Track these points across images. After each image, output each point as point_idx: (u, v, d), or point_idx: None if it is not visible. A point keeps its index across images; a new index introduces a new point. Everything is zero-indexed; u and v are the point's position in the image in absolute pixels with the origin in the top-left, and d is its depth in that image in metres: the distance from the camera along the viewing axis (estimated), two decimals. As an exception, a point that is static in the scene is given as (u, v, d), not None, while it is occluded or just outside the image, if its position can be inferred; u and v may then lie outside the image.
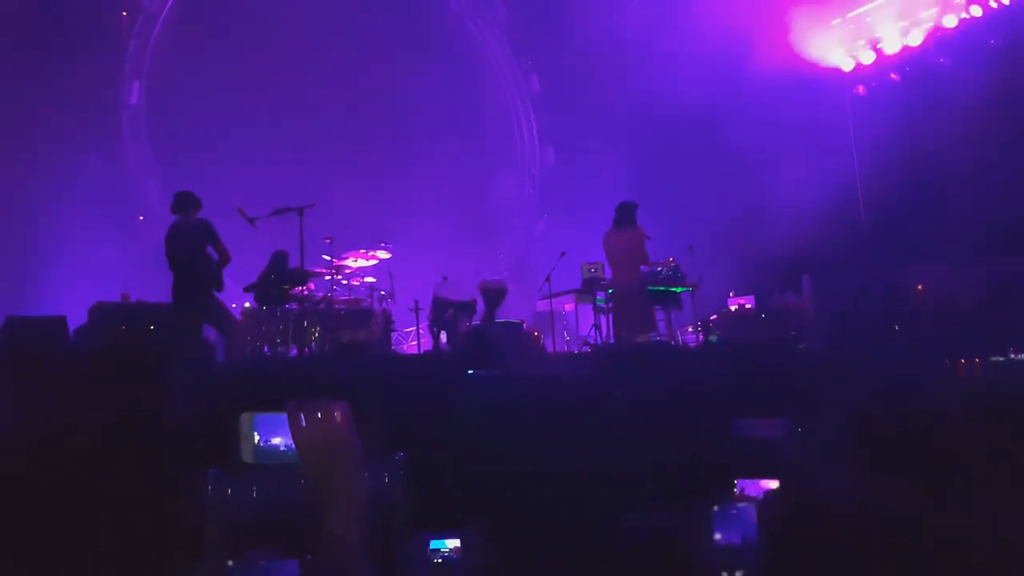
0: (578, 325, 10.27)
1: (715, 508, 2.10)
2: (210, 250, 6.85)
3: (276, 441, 1.68)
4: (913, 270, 7.47)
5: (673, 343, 8.39)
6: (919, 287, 7.06)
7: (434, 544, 2.33)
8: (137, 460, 3.70)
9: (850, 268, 8.60)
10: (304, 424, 1.41)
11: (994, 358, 4.39)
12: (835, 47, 11.06)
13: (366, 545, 1.40)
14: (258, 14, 11.78)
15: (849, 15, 10.97)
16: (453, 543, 2.33)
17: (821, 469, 2.30)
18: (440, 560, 2.34)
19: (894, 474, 1.95)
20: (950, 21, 9.92)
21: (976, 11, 9.68)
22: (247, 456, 1.65)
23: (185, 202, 7.00)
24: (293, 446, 1.45)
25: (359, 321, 8.57)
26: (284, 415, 1.44)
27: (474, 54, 14.81)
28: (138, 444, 3.79)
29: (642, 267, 8.39)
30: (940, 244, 8.48)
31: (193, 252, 6.78)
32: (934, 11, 10.05)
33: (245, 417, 1.63)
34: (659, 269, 8.51)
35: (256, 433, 1.63)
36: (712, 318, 9.23)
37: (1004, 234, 8.06)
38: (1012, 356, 4.64)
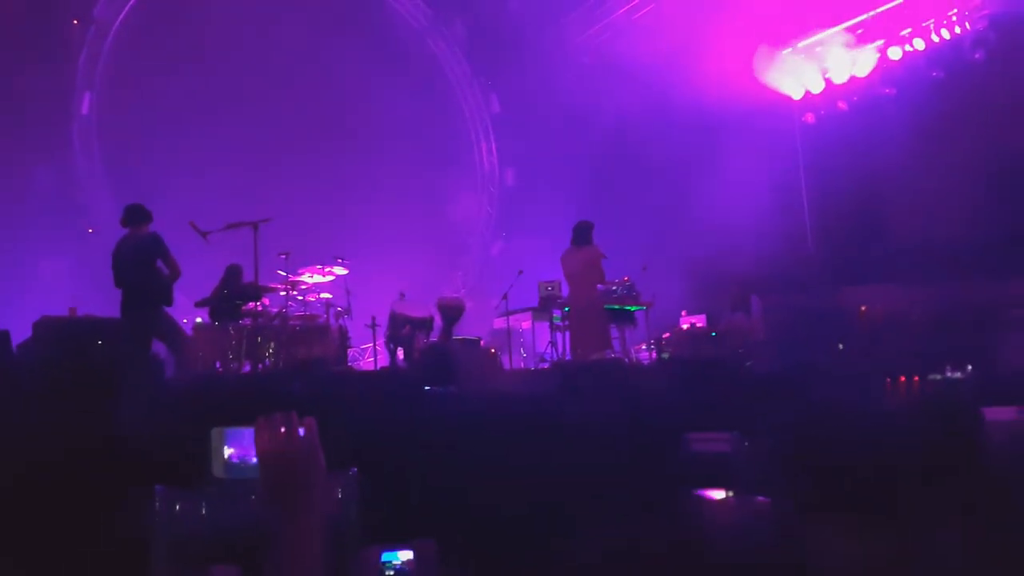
0: (535, 342, 10.34)
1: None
2: (160, 264, 6.74)
3: (237, 453, 1.68)
4: (857, 292, 7.73)
5: (627, 360, 8.51)
6: (862, 308, 7.31)
7: (386, 556, 2.33)
8: (82, 476, 3.61)
9: (797, 289, 8.85)
10: (268, 438, 1.41)
11: (932, 376, 4.57)
12: (785, 75, 11.42)
13: (324, 561, 1.40)
14: (215, 27, 11.67)
15: (799, 45, 11.35)
16: (406, 556, 2.34)
17: (764, 485, 2.38)
18: (392, 573, 2.35)
19: (829, 493, 2.03)
20: (895, 53, 10.34)
21: (919, 44, 10.11)
22: (218, 471, 1.64)
23: (136, 215, 6.89)
24: None
25: (314, 337, 8.49)
26: (252, 430, 1.45)
27: (435, 73, 14.89)
28: (83, 460, 3.70)
29: (598, 285, 8.51)
30: (883, 267, 8.78)
31: (143, 266, 6.67)
32: (880, 43, 10.46)
33: (216, 432, 1.62)
34: (614, 288, 8.64)
35: (227, 447, 1.62)
36: (665, 336, 9.39)
37: (943, 258, 8.39)
38: (948, 374, 4.84)
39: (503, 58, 14.10)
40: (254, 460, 1.49)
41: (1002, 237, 8.15)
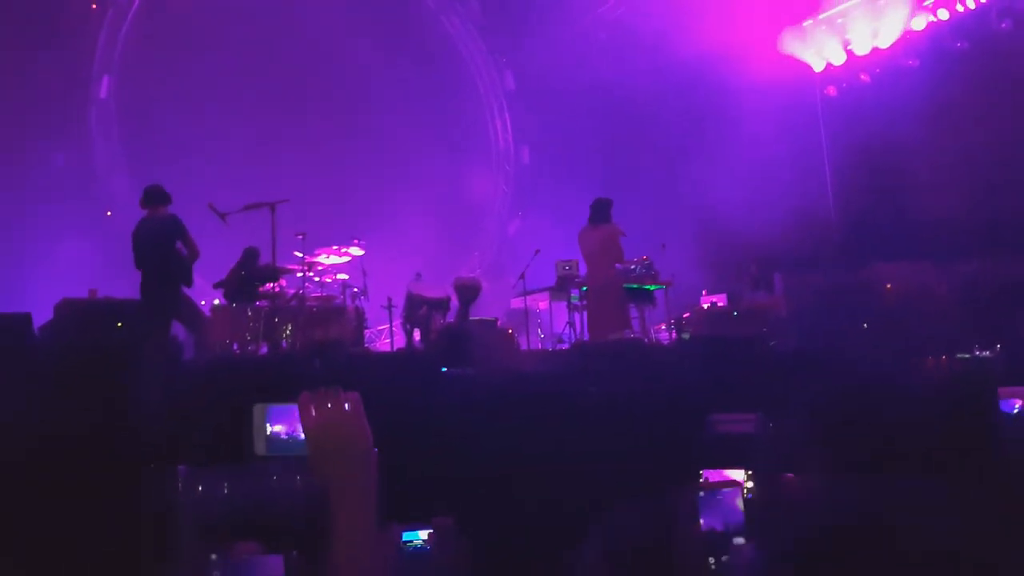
0: (552, 322, 10.29)
1: (700, 494, 2.12)
2: (179, 246, 6.75)
3: (285, 432, 1.67)
4: (882, 269, 7.59)
5: (647, 340, 8.43)
6: (888, 286, 7.18)
7: (406, 536, 2.33)
8: (105, 458, 3.63)
9: (821, 266, 8.73)
10: (314, 414, 1.40)
11: (960, 355, 4.48)
12: (807, 48, 11.19)
13: (378, 538, 1.40)
14: (232, 8, 11.63)
15: (821, 16, 11.11)
16: (425, 534, 2.34)
17: (790, 465, 2.33)
18: (413, 550, 2.36)
19: (858, 470, 1.98)
20: (919, 23, 10.09)
21: (943, 14, 9.86)
22: (260, 449, 1.63)
23: (154, 197, 6.90)
24: (302, 437, 1.44)
25: (331, 318, 8.50)
26: (295, 407, 1.44)
27: (449, 51, 14.76)
28: (106, 442, 3.72)
29: (616, 264, 8.42)
30: (909, 244, 8.62)
31: (162, 248, 6.68)
32: (904, 13, 10.20)
33: (258, 408, 1.62)
34: (633, 266, 8.55)
35: (268, 425, 1.62)
36: (685, 316, 9.30)
37: (971, 235, 8.22)
38: (977, 353, 4.74)
39: (518, 34, 13.95)
40: (299, 436, 1.48)
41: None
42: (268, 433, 1.61)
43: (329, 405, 1.41)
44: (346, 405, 1.42)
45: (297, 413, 1.45)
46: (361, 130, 12.61)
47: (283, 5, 12.03)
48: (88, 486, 3.50)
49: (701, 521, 2.10)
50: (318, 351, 6.62)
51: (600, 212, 8.44)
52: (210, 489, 3.22)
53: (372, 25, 12.76)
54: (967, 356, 4.43)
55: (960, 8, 9.67)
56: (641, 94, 11.84)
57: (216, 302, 8.58)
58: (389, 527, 2.53)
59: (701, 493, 2.12)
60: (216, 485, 3.25)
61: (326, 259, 9.08)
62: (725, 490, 2.15)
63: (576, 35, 13.09)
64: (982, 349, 4.84)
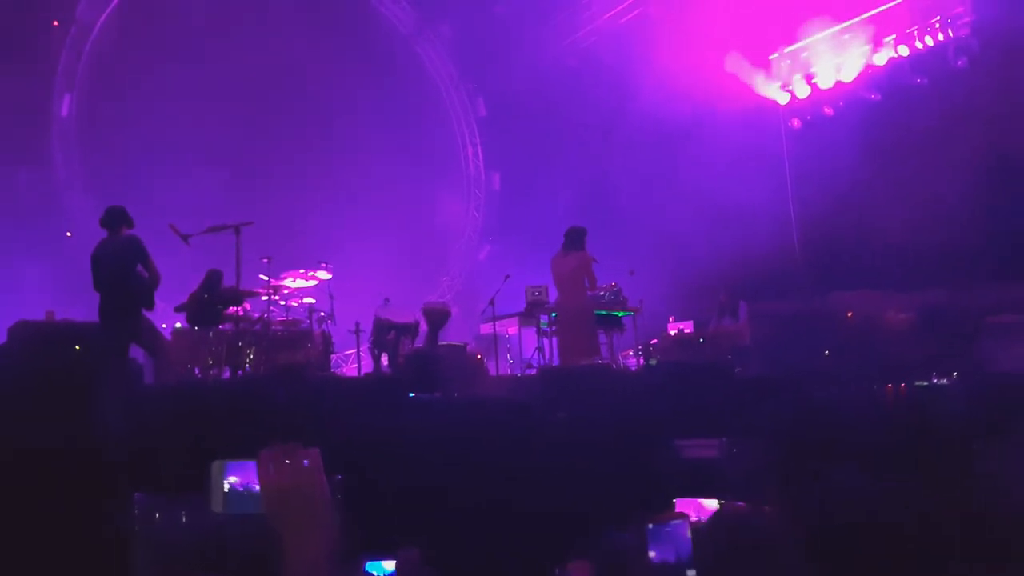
0: (521, 348, 10.27)
1: (649, 526, 2.11)
2: (140, 268, 6.62)
3: (244, 489, 1.62)
4: (843, 297, 7.73)
5: (614, 366, 8.46)
6: (849, 314, 7.30)
7: (370, 567, 2.28)
8: (61, 484, 3.52)
9: (784, 295, 8.86)
10: (273, 472, 1.38)
11: (918, 383, 4.55)
12: (772, 81, 11.46)
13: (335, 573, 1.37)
14: (198, 29, 11.56)
15: (786, 50, 11.39)
16: (389, 565, 2.28)
17: (752, 488, 2.34)
18: (376, 582, 2.30)
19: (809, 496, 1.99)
20: (880, 59, 10.40)
21: (904, 50, 10.16)
22: (217, 506, 1.59)
23: (115, 218, 6.76)
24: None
25: (297, 343, 8.38)
26: (253, 463, 1.41)
27: (421, 77, 14.83)
28: (62, 468, 3.60)
29: (588, 291, 8.46)
30: (869, 273, 8.80)
31: (122, 270, 6.54)
32: (866, 49, 10.51)
33: (216, 465, 1.57)
34: (602, 293, 8.60)
35: (226, 482, 1.56)
36: (652, 342, 9.36)
37: (929, 264, 8.41)
38: (935, 381, 4.83)
39: (490, 61, 14.07)
40: (256, 489, 1.44)
41: (987, 243, 8.19)
42: (226, 490, 1.57)
43: (288, 462, 1.39)
44: (305, 462, 1.40)
45: (254, 469, 1.42)
46: (330, 153, 12.57)
47: (251, 27, 11.98)
48: (44, 513, 3.38)
49: (652, 553, 2.08)
50: (282, 376, 6.52)
51: (574, 239, 8.47)
52: (168, 518, 3.13)
53: (342, 50, 12.77)
54: (925, 384, 4.51)
55: (919, 45, 9.99)
56: (609, 123, 12.00)
57: (178, 325, 8.42)
58: (354, 559, 2.48)
59: (650, 525, 2.11)
60: (174, 514, 3.16)
61: (292, 283, 8.97)
62: (674, 521, 2.14)
63: (547, 63, 13.26)
64: (940, 377, 4.94)
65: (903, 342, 6.21)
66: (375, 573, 2.26)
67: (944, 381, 5.03)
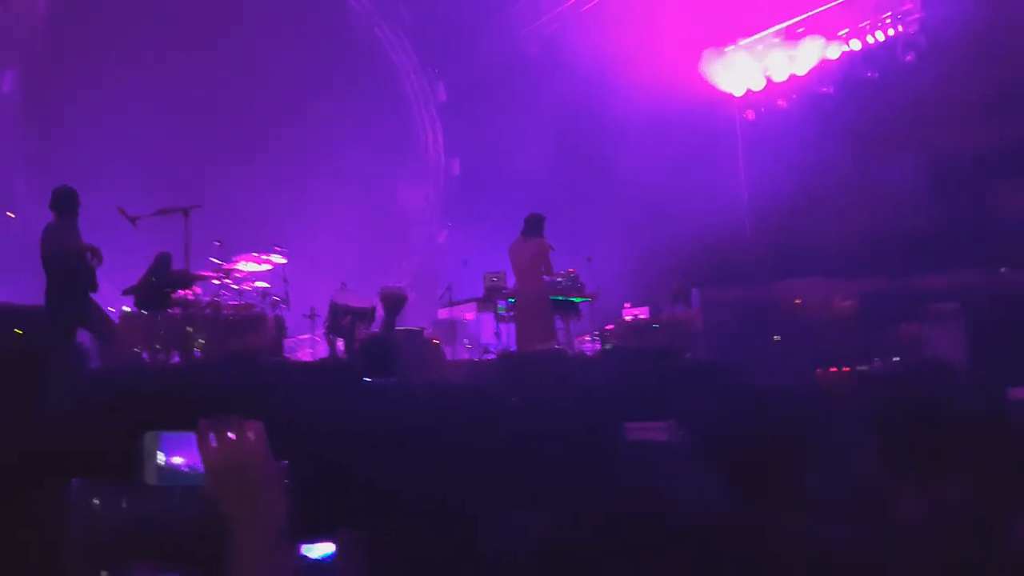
0: (480, 333, 10.29)
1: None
2: (88, 253, 6.48)
3: (179, 461, 1.56)
4: (793, 285, 7.91)
5: (571, 351, 8.53)
6: (796, 301, 7.48)
7: (307, 550, 2.26)
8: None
9: (736, 282, 9.02)
10: (215, 444, 1.32)
11: (860, 367, 4.70)
12: (727, 73, 11.60)
13: (280, 557, 1.34)
14: (152, 10, 11.27)
15: (742, 43, 11.53)
16: (326, 548, 2.27)
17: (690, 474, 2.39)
18: (312, 563, 2.28)
19: (757, 477, 2.04)
20: (834, 53, 10.60)
21: (856, 45, 10.38)
22: (150, 478, 1.52)
23: (63, 199, 6.60)
24: (199, 467, 1.37)
25: (249, 327, 8.27)
26: (191, 434, 1.35)
27: (380, 60, 14.66)
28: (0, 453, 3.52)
29: (545, 277, 8.52)
30: (817, 261, 9.01)
31: (68, 252, 6.39)
32: (820, 43, 10.70)
33: (149, 436, 1.51)
34: (559, 279, 8.66)
35: (161, 453, 1.50)
36: (608, 327, 9.46)
37: (874, 253, 8.64)
38: (876, 364, 4.99)
39: (450, 47, 13.97)
40: (193, 466, 1.39)
41: (931, 232, 8.44)
42: (160, 463, 1.50)
43: (231, 435, 1.33)
44: (250, 434, 1.34)
45: (191, 441, 1.36)
46: (286, 136, 12.37)
47: (206, 8, 11.71)
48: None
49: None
50: (233, 360, 6.44)
51: (533, 226, 8.55)
52: (106, 504, 3.07)
53: (299, 31, 12.56)
54: (866, 368, 4.66)
55: (871, 39, 10.21)
56: (568, 111, 12.03)
57: (125, 309, 8.25)
58: (291, 543, 2.45)
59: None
60: (114, 500, 3.10)
61: (245, 266, 8.85)
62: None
63: (507, 49, 13.22)
64: (883, 360, 5.10)
65: (845, 328, 6.39)
66: (310, 556, 2.24)
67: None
